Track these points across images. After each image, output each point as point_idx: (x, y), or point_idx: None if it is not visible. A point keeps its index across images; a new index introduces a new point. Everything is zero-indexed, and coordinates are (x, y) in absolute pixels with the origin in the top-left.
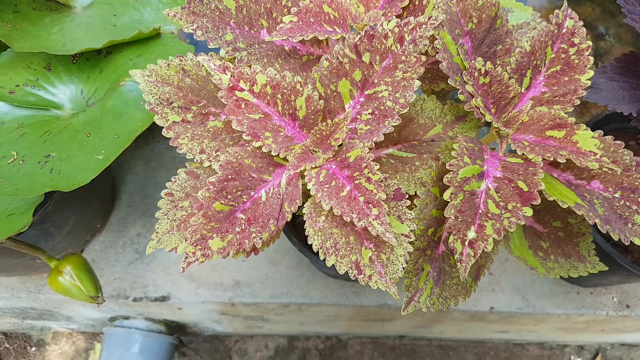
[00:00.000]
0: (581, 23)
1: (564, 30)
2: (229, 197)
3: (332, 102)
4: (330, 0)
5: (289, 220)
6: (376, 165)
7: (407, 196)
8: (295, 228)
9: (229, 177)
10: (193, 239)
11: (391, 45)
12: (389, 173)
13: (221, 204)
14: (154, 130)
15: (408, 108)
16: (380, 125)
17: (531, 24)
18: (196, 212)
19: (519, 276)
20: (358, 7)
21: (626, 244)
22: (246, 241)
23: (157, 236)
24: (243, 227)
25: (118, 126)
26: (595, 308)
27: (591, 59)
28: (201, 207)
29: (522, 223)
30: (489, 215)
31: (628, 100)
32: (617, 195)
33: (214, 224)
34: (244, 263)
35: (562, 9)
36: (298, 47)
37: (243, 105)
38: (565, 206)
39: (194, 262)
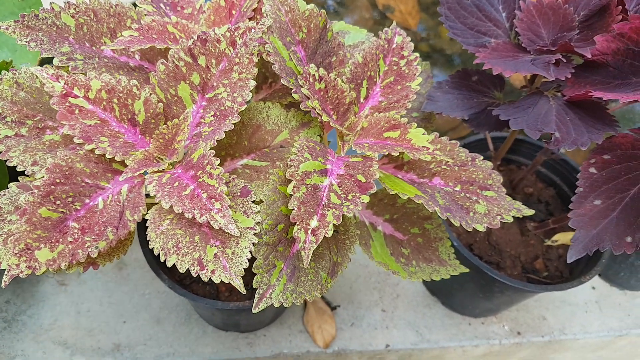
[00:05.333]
0: (409, 39)
1: (394, 45)
2: (58, 202)
3: (175, 108)
4: (176, 22)
5: (132, 230)
6: (217, 160)
7: (252, 192)
8: (166, 266)
9: (57, 181)
10: (16, 248)
11: (225, 49)
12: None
13: (48, 209)
14: None
15: (245, 105)
16: (222, 125)
17: (366, 43)
18: (19, 218)
19: (410, 311)
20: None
21: (468, 230)
22: (80, 251)
23: None
24: (76, 236)
25: None
26: (488, 338)
27: (420, 67)
28: (24, 212)
29: (360, 209)
30: (331, 205)
31: (461, 108)
32: (457, 188)
33: (40, 232)
34: (125, 325)
35: (391, 27)
36: (145, 66)
37: (77, 111)
38: (405, 197)
39: (18, 274)
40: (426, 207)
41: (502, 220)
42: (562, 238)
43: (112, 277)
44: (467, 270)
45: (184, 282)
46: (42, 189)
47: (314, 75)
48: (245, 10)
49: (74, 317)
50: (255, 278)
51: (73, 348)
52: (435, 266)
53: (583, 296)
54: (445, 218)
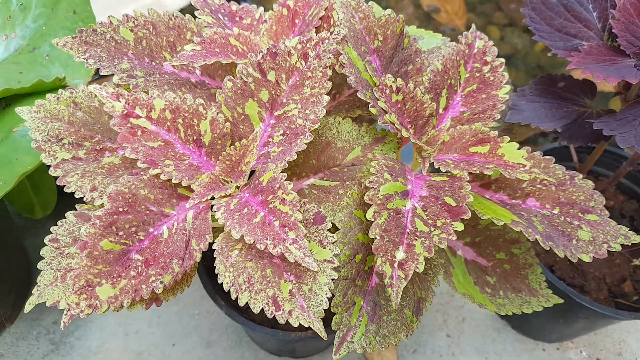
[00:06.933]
0: (492, 42)
1: (475, 50)
2: (121, 233)
3: (242, 127)
4: (238, 34)
5: (198, 260)
6: (290, 184)
7: (329, 219)
8: (223, 291)
9: (120, 209)
10: (76, 285)
11: (296, 62)
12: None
13: (110, 242)
14: None
15: (319, 123)
16: (293, 144)
17: (442, 49)
18: (79, 252)
19: (478, 336)
20: (268, 43)
21: (573, 261)
22: (143, 287)
23: (37, 290)
24: (139, 270)
25: (5, 172)
26: None
27: (506, 74)
28: (85, 245)
29: (454, 238)
30: (418, 233)
31: (550, 118)
32: (555, 211)
33: (102, 266)
34: (174, 348)
35: (470, 30)
36: (207, 81)
37: (139, 133)
38: (500, 224)
39: (78, 314)
40: (525, 234)
41: (609, 249)
42: None
43: None
44: (562, 301)
45: (240, 307)
46: (104, 219)
47: (390, 86)
48: (310, 18)
49: (122, 339)
50: (334, 318)
51: None
52: (525, 297)
53: None
54: (548, 248)
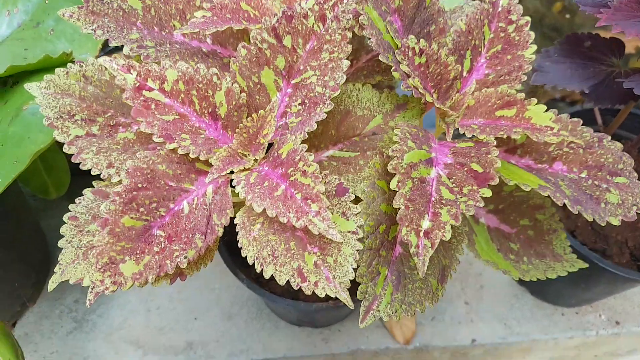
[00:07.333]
0: (516, 0)
1: (500, 9)
2: (142, 210)
3: (257, 97)
4: None
5: (220, 234)
6: (311, 155)
7: (350, 190)
8: (244, 265)
9: (140, 185)
10: (99, 263)
11: (313, 25)
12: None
13: (132, 218)
14: None
15: (339, 90)
16: (312, 114)
17: (465, 8)
18: (100, 229)
19: (497, 303)
20: (281, 7)
21: (602, 224)
22: (167, 262)
23: (60, 268)
24: (162, 245)
25: (18, 152)
26: (584, 328)
27: (532, 33)
28: (106, 223)
29: (481, 205)
30: (443, 202)
31: (577, 79)
32: (583, 175)
33: (124, 243)
34: (196, 321)
35: None
36: (219, 50)
37: (153, 106)
38: (528, 189)
39: (103, 292)
40: (553, 199)
41: (638, 212)
42: None
43: None
44: (586, 265)
45: (260, 280)
46: (123, 196)
47: (413, 48)
48: None
49: (144, 315)
50: (359, 288)
51: (145, 347)
52: (549, 262)
53: None
54: (577, 212)
